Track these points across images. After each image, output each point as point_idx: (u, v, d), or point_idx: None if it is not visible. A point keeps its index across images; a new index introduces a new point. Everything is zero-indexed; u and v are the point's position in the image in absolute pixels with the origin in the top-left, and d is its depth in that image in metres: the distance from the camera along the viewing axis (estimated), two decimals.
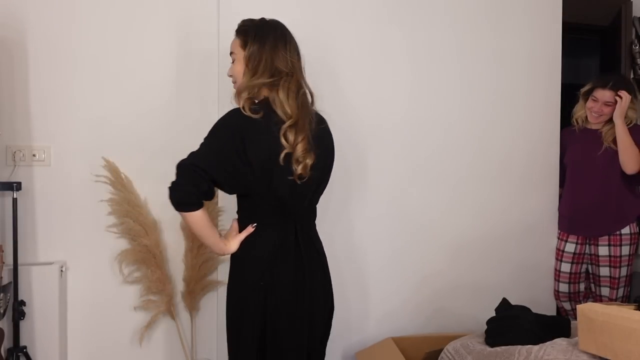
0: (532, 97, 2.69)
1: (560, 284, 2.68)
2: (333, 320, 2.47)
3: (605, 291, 2.57)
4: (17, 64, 2.14)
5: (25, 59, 2.15)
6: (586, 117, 2.63)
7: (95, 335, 2.24)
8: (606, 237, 2.54)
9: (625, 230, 2.53)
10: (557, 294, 2.71)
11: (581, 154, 2.62)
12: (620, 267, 2.53)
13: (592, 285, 2.65)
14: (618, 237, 2.53)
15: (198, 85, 2.27)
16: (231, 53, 1.72)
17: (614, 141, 2.50)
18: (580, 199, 2.62)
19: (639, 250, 2.98)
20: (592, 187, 2.57)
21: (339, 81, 2.45)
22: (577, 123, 2.67)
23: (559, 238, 2.71)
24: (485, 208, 2.64)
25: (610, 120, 2.55)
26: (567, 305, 2.70)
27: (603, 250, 2.55)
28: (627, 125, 2.48)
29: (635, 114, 2.54)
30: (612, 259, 2.53)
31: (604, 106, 2.52)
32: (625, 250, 2.53)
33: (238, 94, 1.63)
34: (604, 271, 2.55)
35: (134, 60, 2.25)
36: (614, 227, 2.54)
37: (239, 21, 2.30)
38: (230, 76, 1.71)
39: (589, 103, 2.58)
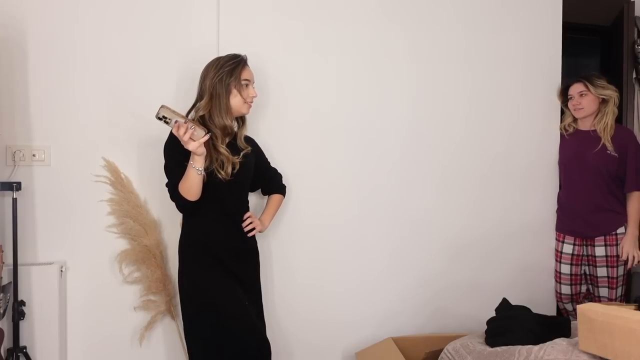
0: (532, 97, 2.69)
1: (562, 286, 2.67)
2: (333, 320, 2.49)
3: (603, 292, 2.56)
4: (17, 64, 2.14)
5: (25, 59, 2.15)
6: (573, 120, 2.67)
7: (95, 335, 2.24)
8: (602, 238, 2.54)
9: (621, 230, 2.53)
10: (559, 295, 2.70)
11: (573, 155, 2.63)
12: (617, 266, 2.53)
13: (591, 286, 2.65)
14: (614, 237, 2.53)
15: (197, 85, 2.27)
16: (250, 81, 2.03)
17: (612, 139, 2.52)
18: (574, 201, 2.63)
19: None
20: (585, 189, 2.57)
21: (340, 81, 2.45)
22: (567, 130, 2.69)
23: (556, 239, 2.72)
24: (486, 208, 2.64)
25: (597, 115, 2.58)
26: (569, 307, 2.69)
27: (600, 251, 2.55)
28: (611, 112, 2.53)
29: (613, 92, 2.56)
30: (609, 258, 2.53)
31: (580, 97, 2.58)
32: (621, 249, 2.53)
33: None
34: (602, 272, 2.55)
35: (135, 60, 2.25)
36: (609, 228, 2.54)
37: (238, 21, 2.32)
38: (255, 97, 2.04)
39: (569, 103, 2.64)
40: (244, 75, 1.98)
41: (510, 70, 2.66)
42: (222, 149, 1.92)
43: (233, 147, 2.00)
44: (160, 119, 1.74)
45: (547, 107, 2.72)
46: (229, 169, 1.91)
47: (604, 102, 2.57)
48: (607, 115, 2.55)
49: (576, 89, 2.60)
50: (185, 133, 1.73)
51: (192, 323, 1.96)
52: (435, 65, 2.56)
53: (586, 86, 2.56)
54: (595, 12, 3.42)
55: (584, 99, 2.57)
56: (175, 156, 1.88)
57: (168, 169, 1.94)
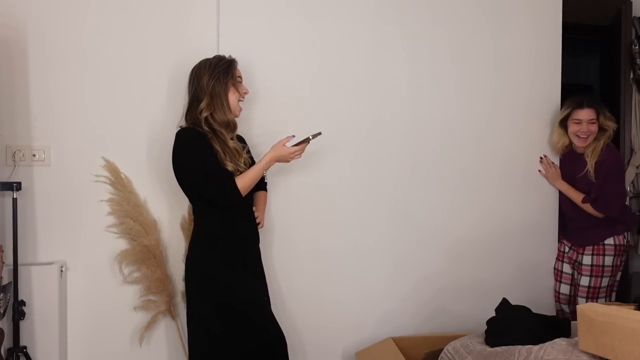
0: (532, 97, 2.69)
1: (562, 285, 2.68)
2: (333, 320, 2.49)
3: (581, 302, 2.51)
4: (17, 64, 2.14)
5: (25, 59, 2.15)
6: (569, 143, 2.61)
7: (95, 335, 2.24)
8: (591, 247, 2.53)
9: (609, 241, 2.51)
10: (557, 295, 2.70)
11: (565, 174, 2.63)
12: (602, 277, 2.50)
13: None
14: (601, 247, 2.51)
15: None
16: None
17: (596, 165, 2.47)
18: (566, 214, 2.67)
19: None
20: (574, 206, 2.58)
21: (338, 82, 2.45)
22: (561, 151, 2.66)
23: (558, 240, 2.73)
24: (486, 208, 2.64)
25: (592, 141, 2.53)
26: (566, 308, 2.69)
27: (587, 260, 2.53)
28: (603, 142, 2.49)
29: (614, 125, 2.52)
30: (594, 268, 2.51)
31: (590, 124, 2.49)
32: (609, 260, 2.50)
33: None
34: (584, 281, 2.53)
35: (134, 60, 2.25)
36: (597, 239, 2.53)
37: (238, 23, 2.32)
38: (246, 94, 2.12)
39: (574, 127, 2.52)
40: (238, 72, 2.09)
41: (511, 70, 2.66)
42: (231, 143, 2.01)
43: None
44: (311, 138, 2.01)
45: (547, 107, 2.71)
46: (241, 163, 2.01)
47: (601, 130, 2.51)
48: (599, 144, 2.49)
49: (587, 115, 2.48)
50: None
51: (202, 320, 1.96)
52: (435, 66, 2.56)
53: (597, 114, 2.49)
54: (595, 12, 3.42)
55: (593, 126, 2.49)
56: (207, 155, 1.94)
57: (209, 172, 1.93)
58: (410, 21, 2.52)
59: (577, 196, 2.55)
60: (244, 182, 1.96)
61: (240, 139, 2.16)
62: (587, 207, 2.51)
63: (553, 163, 2.66)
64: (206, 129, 1.97)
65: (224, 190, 1.94)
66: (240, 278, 1.99)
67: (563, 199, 2.67)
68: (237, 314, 1.95)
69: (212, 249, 1.98)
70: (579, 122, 2.50)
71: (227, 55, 2.09)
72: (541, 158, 2.67)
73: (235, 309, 1.95)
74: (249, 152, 2.14)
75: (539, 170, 2.67)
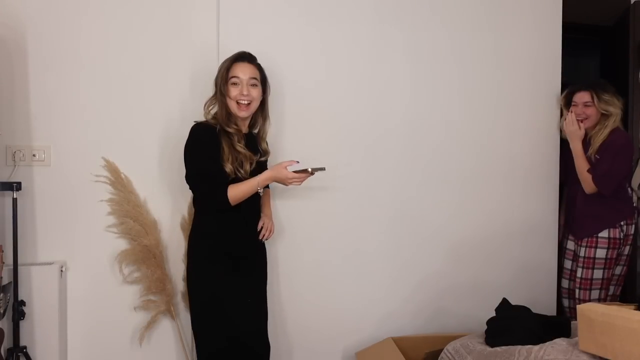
0: (532, 97, 2.69)
1: (562, 280, 2.73)
2: (333, 320, 2.49)
3: (577, 293, 2.56)
4: (17, 64, 2.14)
5: (25, 59, 2.15)
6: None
7: (95, 335, 2.24)
8: (586, 239, 2.55)
9: (603, 233, 2.50)
10: (559, 289, 2.75)
11: (569, 159, 2.63)
12: (593, 268, 2.51)
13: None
14: (594, 239, 2.52)
15: (198, 86, 2.27)
16: (254, 78, 1.99)
17: (600, 147, 2.47)
18: (570, 203, 2.68)
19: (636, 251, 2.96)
20: (578, 192, 2.59)
21: (338, 82, 2.45)
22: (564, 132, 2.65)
23: (564, 236, 2.76)
24: (486, 208, 2.64)
25: (597, 125, 2.52)
26: (565, 302, 2.73)
27: (582, 252, 2.55)
28: (611, 127, 2.48)
29: (617, 110, 2.51)
30: (586, 260, 2.52)
31: (585, 107, 2.51)
32: (600, 253, 2.50)
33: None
34: (579, 272, 2.55)
35: (134, 60, 2.25)
36: (592, 231, 2.53)
37: (238, 23, 2.32)
38: (248, 95, 1.96)
39: (572, 108, 2.56)
40: (233, 72, 1.97)
41: (511, 70, 2.66)
42: (240, 147, 1.95)
43: (253, 146, 2.04)
44: (311, 170, 1.93)
45: (547, 107, 2.71)
46: (247, 167, 1.95)
47: (604, 115, 2.51)
48: (605, 129, 2.49)
49: (582, 97, 2.52)
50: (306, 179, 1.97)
51: (197, 316, 1.97)
52: (436, 65, 2.56)
53: (592, 97, 2.50)
54: (596, 12, 3.41)
55: (588, 110, 2.51)
56: (210, 153, 1.89)
57: (203, 172, 1.90)
58: (411, 22, 2.52)
59: (584, 164, 2.49)
60: (235, 192, 1.90)
61: (260, 151, 2.10)
62: (588, 179, 2.47)
63: (580, 121, 2.54)
64: (214, 122, 1.96)
65: (212, 195, 1.90)
66: (225, 278, 1.94)
67: (576, 187, 2.62)
68: (220, 316, 1.92)
69: (202, 247, 1.97)
70: (575, 104, 2.55)
71: (245, 51, 2.03)
72: (569, 112, 2.55)
73: (217, 311, 1.92)
74: (263, 163, 2.09)
75: (561, 128, 2.62)
